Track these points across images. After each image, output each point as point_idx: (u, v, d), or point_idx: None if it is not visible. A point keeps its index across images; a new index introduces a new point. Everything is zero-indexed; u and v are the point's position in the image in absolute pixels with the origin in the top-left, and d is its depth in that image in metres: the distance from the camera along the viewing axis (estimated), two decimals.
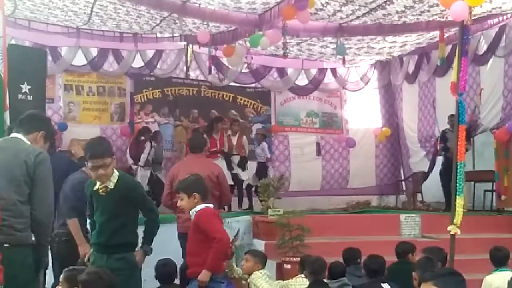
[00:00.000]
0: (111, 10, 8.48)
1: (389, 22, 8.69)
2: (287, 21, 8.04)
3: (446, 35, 9.15)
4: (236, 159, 10.08)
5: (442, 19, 8.40)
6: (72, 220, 5.23)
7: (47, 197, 3.73)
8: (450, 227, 5.23)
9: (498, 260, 5.24)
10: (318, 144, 12.58)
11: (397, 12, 8.06)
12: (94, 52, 10.62)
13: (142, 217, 4.47)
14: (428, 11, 7.96)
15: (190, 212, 4.44)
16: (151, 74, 11.11)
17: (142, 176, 9.83)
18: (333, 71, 12.49)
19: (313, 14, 8.08)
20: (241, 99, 12.02)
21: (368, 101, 12.89)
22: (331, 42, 10.05)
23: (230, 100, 11.90)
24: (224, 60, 10.89)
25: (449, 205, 7.23)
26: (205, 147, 6.97)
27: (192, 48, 10.92)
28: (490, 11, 8.07)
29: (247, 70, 11.85)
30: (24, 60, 7.37)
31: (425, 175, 11.05)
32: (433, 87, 11.32)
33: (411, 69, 11.80)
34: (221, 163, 8.92)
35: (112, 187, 4.19)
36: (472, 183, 9.99)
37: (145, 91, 11.12)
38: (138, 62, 10.92)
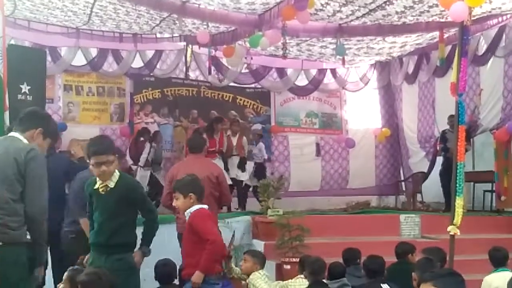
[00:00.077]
0: (110, 10, 8.48)
1: (388, 23, 8.69)
2: (287, 21, 8.04)
3: (445, 35, 9.14)
4: (236, 159, 10.05)
5: (441, 20, 8.40)
6: (84, 219, 5.19)
7: (40, 194, 3.68)
8: (449, 228, 5.24)
9: (498, 260, 5.26)
10: (317, 145, 12.58)
11: (396, 12, 8.06)
12: (93, 52, 10.60)
13: (141, 218, 4.45)
14: (428, 11, 7.96)
15: (185, 212, 4.41)
16: (151, 74, 11.09)
17: (142, 176, 9.79)
18: (333, 71, 12.49)
19: (313, 14, 8.08)
20: (240, 100, 12.01)
21: (368, 101, 12.88)
22: (330, 43, 10.04)
23: (230, 100, 11.89)
24: (224, 61, 10.86)
25: (448, 206, 7.24)
26: (205, 147, 6.96)
27: (191, 48, 10.91)
28: (490, 12, 8.07)
29: (246, 71, 11.84)
30: (24, 60, 7.37)
31: (424, 176, 11.05)
32: (433, 88, 11.31)
33: (410, 69, 11.80)
34: (219, 163, 8.90)
35: (112, 187, 4.18)
36: (472, 183, 10.00)
37: (145, 92, 11.10)
38: (137, 63, 10.91)
